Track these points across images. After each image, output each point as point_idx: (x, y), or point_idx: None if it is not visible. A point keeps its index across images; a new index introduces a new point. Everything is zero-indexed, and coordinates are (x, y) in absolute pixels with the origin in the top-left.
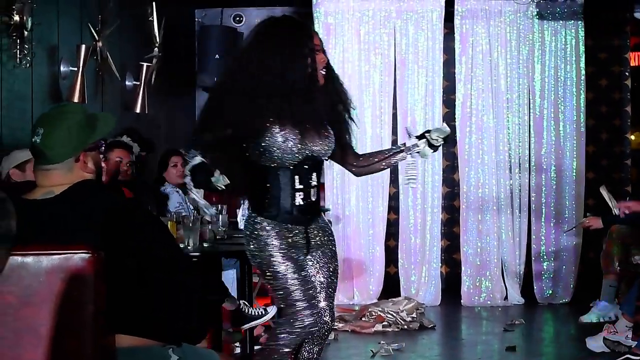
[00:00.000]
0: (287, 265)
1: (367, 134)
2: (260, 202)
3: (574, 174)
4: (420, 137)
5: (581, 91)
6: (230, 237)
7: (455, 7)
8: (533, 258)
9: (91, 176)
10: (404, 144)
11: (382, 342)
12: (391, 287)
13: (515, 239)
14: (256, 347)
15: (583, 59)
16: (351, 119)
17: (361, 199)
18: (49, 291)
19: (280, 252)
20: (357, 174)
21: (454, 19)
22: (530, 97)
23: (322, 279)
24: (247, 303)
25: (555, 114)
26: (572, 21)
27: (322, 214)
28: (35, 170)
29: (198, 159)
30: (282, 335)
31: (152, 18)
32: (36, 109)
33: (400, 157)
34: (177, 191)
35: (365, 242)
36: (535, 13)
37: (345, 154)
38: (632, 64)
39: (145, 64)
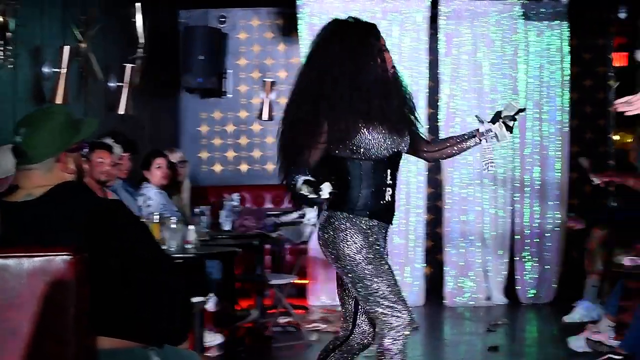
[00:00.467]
0: (380, 264)
1: None
2: (347, 199)
3: (558, 173)
4: (493, 121)
5: (566, 91)
6: (213, 239)
7: (440, 7)
8: (516, 258)
9: (72, 177)
10: (477, 130)
11: None
12: None
13: (498, 239)
14: (239, 349)
15: (567, 59)
16: (414, 109)
17: None
18: (30, 293)
19: (371, 252)
20: (428, 160)
21: (438, 19)
22: (515, 98)
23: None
24: (229, 304)
25: (539, 114)
26: (557, 22)
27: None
28: (17, 171)
29: (302, 179)
30: (390, 342)
31: (136, 19)
32: (19, 110)
33: (474, 142)
34: (161, 193)
35: None
36: (520, 13)
37: (416, 142)
38: (617, 64)
39: (129, 65)
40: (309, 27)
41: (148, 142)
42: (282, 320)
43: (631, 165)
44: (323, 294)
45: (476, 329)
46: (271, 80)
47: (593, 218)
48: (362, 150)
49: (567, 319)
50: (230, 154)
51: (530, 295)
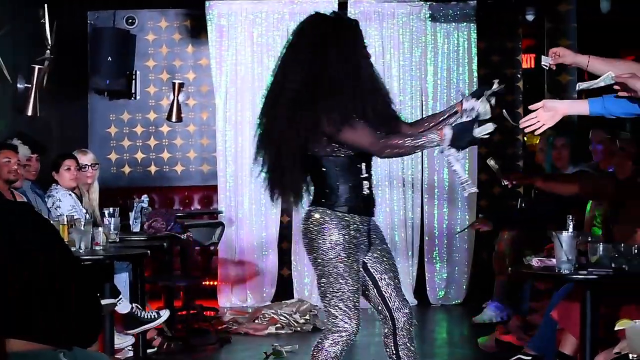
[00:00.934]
0: (351, 267)
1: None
2: (323, 194)
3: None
4: (477, 97)
5: None
6: (122, 241)
7: (349, 9)
8: (426, 260)
9: None
10: (461, 104)
11: (275, 344)
12: (285, 289)
13: (407, 241)
14: (149, 351)
15: (475, 61)
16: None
17: (254, 201)
18: None
19: (345, 251)
20: None
21: None
22: (423, 99)
23: (388, 280)
24: (139, 306)
25: None
26: (465, 23)
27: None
28: None
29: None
30: (330, 344)
31: (45, 20)
32: None
33: (456, 118)
34: (70, 194)
35: (259, 244)
36: (428, 15)
37: (397, 127)
38: (525, 66)
39: (37, 66)
40: (217, 29)
41: (57, 143)
42: (192, 322)
43: (539, 167)
44: (233, 296)
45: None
46: (180, 81)
47: (501, 220)
48: (346, 146)
49: (476, 319)
50: (139, 156)
51: (440, 297)
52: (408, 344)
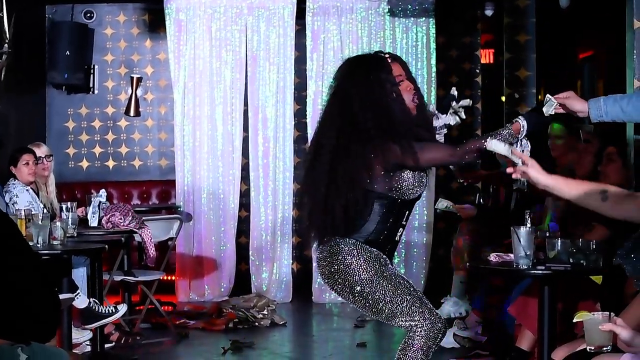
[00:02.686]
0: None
1: (219, 130)
2: (359, 230)
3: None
4: (447, 112)
5: (432, 88)
6: (80, 235)
7: (307, 3)
8: None
9: None
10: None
11: (233, 339)
12: (242, 284)
13: None
14: (107, 345)
15: (434, 56)
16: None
17: (212, 196)
18: None
19: (380, 271)
20: None
21: (305, 15)
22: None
23: None
24: (97, 301)
25: None
26: (424, 18)
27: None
28: None
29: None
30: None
31: (2, 14)
32: None
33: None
34: (27, 190)
35: (217, 239)
36: (387, 10)
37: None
38: (483, 61)
39: None
40: (175, 23)
41: (14, 138)
42: (150, 316)
43: (497, 163)
44: (191, 290)
45: (344, 325)
46: (138, 76)
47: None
48: (401, 187)
49: None
50: (97, 150)
51: None
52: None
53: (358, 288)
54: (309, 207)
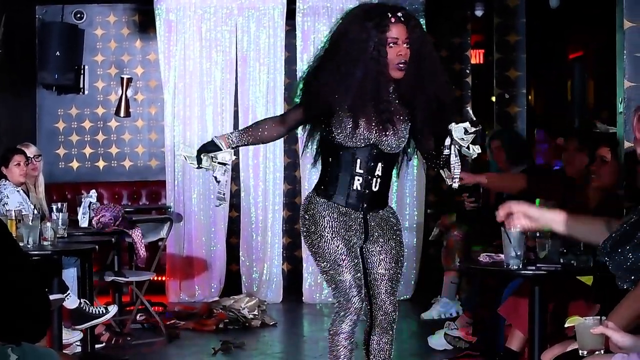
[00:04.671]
0: (337, 244)
1: (209, 131)
2: (319, 181)
3: (415, 170)
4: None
5: None
6: (70, 236)
7: (297, 4)
8: None
9: None
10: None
11: (223, 339)
12: (233, 284)
13: None
14: (97, 346)
15: None
16: (442, 111)
17: (202, 196)
18: None
19: (331, 231)
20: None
21: (295, 16)
22: None
23: (382, 271)
24: (87, 302)
25: None
26: None
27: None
28: None
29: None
30: (337, 321)
31: None
32: None
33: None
34: (18, 191)
35: (207, 239)
36: None
37: (420, 144)
38: (473, 61)
39: None
40: (165, 24)
41: (4, 138)
42: (141, 317)
43: (486, 164)
44: (182, 291)
45: None
46: (128, 76)
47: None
48: (340, 132)
49: (425, 315)
50: (88, 151)
51: None
52: (381, 343)
53: (308, 242)
54: None
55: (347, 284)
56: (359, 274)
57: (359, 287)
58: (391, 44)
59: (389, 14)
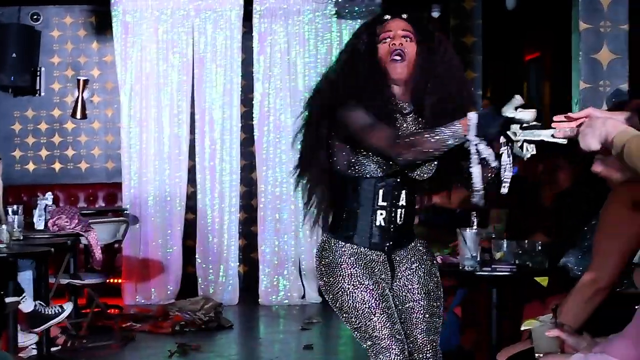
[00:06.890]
0: (363, 296)
1: (165, 133)
2: (334, 220)
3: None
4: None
5: None
6: (26, 239)
7: (254, 6)
8: None
9: None
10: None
11: (179, 342)
12: (189, 286)
13: (312, 237)
14: (53, 349)
15: None
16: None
17: (159, 198)
18: None
19: (352, 281)
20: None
21: (252, 18)
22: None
23: (418, 309)
24: (42, 303)
25: None
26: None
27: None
28: None
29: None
30: None
31: None
32: None
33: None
34: None
35: (163, 241)
36: (334, 12)
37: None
38: None
39: None
40: (122, 25)
41: None
42: (96, 320)
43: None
44: (138, 293)
45: (291, 327)
46: (84, 78)
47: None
48: (359, 158)
49: None
50: (44, 153)
51: None
52: None
53: (330, 296)
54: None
55: (386, 342)
56: (397, 326)
57: (399, 343)
58: (384, 40)
59: (387, 15)
